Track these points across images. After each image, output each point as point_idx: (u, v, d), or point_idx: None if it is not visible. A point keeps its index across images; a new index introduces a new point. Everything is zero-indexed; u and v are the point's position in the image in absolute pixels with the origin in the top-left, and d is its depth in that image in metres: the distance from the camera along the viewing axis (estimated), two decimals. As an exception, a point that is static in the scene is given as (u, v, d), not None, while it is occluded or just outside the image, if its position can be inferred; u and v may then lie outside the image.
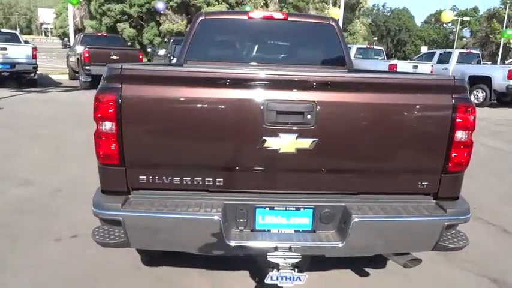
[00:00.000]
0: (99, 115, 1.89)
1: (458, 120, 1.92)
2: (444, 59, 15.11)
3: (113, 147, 1.91)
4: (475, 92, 13.37)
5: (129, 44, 21.82)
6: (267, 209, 2.01)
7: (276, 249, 1.95)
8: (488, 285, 2.74)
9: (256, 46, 4.05)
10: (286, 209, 2.02)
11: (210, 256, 2.27)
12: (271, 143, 1.89)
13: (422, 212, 1.97)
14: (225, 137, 1.93)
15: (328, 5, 21.26)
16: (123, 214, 1.89)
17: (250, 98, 1.87)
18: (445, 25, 72.33)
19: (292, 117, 1.88)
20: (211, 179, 1.98)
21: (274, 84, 1.89)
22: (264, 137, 1.88)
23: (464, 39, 68.63)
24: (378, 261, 2.90)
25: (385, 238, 1.98)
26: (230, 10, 5.14)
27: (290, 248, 1.95)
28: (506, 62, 18.04)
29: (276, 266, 1.93)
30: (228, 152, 1.95)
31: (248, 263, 2.71)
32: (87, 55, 12.95)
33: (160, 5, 19.46)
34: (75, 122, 7.90)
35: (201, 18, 3.86)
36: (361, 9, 20.80)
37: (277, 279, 1.91)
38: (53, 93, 12.77)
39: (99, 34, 18.96)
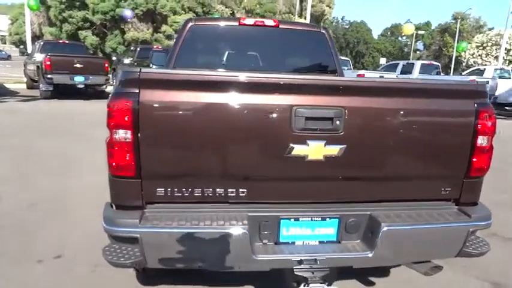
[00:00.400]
0: (114, 123, 1.73)
1: (479, 125, 1.93)
2: (407, 70, 15.76)
3: (128, 157, 1.76)
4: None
5: (91, 52, 21.09)
6: (292, 220, 1.92)
7: (301, 262, 1.86)
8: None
9: (248, 53, 3.99)
10: (311, 220, 1.93)
11: (212, 273, 2.14)
12: (299, 150, 1.80)
13: (448, 218, 1.95)
14: (250, 144, 1.82)
15: (294, 16, 21.63)
16: (141, 231, 1.73)
17: (278, 104, 1.78)
18: (400, 38, 75.77)
19: (321, 124, 1.80)
20: (234, 190, 1.86)
21: (303, 89, 1.81)
22: (291, 144, 1.80)
23: (418, 51, 72.03)
24: (382, 270, 2.88)
25: (413, 246, 1.94)
26: (220, 17, 5.06)
27: (315, 260, 1.87)
28: (463, 73, 19.05)
29: (304, 280, 1.84)
30: (253, 161, 1.84)
31: (252, 280, 2.61)
32: (48, 63, 12.35)
33: (128, 13, 18.94)
34: (41, 132, 7.46)
35: (190, 24, 3.75)
36: (326, 21, 21.28)
37: (311, 294, 1.81)
38: (11, 103, 12.03)
39: (60, 41, 18.18)
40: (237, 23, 3.83)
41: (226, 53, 3.93)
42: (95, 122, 8.90)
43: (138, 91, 1.71)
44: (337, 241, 1.98)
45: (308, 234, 1.95)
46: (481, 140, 1.95)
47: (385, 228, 1.83)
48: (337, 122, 1.80)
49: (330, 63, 3.93)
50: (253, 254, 1.80)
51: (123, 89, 1.73)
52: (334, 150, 1.82)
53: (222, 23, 3.90)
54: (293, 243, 1.95)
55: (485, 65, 31.27)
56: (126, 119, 1.71)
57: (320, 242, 1.97)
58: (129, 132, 1.73)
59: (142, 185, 1.79)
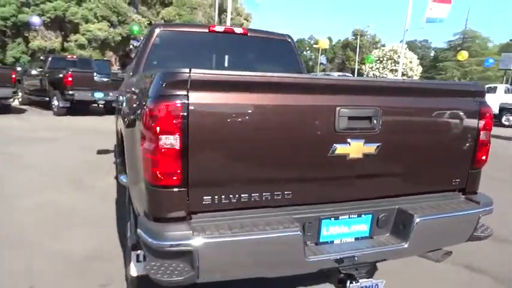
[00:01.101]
0: (160, 127, 1.59)
1: (482, 122, 2.17)
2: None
3: (175, 165, 1.62)
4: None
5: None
6: (332, 219, 1.94)
7: (341, 260, 1.89)
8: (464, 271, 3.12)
9: (218, 60, 3.95)
10: (349, 217, 1.98)
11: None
12: (341, 149, 1.85)
13: (462, 206, 2.14)
14: (297, 146, 1.81)
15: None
16: (196, 242, 1.60)
17: (324, 105, 1.80)
18: (304, 52, 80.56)
19: (361, 123, 1.87)
20: (280, 193, 1.83)
21: (345, 90, 1.86)
22: (335, 144, 1.83)
23: (322, 65, 77.52)
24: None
25: (439, 234, 2.09)
26: (189, 23, 4.86)
27: (354, 257, 1.91)
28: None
29: (351, 277, 1.87)
30: (299, 162, 1.83)
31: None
32: None
33: (35, 20, 17.17)
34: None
35: (158, 29, 3.61)
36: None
37: (360, 292, 1.84)
38: None
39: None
40: (206, 30, 3.77)
41: (195, 59, 3.85)
42: (8, 139, 7.98)
43: (186, 93, 1.60)
44: (369, 236, 2.05)
45: (345, 232, 1.99)
46: (483, 135, 2.19)
47: (418, 220, 1.95)
48: (374, 121, 1.88)
49: (297, 69, 4.07)
50: (305, 257, 1.78)
51: (169, 90, 1.60)
52: (371, 148, 1.90)
53: (191, 29, 3.81)
54: (332, 242, 1.97)
55: (383, 77, 34.73)
56: (174, 123, 1.59)
57: (356, 239, 2.02)
58: (177, 137, 1.60)
59: (188, 194, 1.67)
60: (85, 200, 4.54)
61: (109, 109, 13.60)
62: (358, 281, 1.84)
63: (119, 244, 3.38)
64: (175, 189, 1.66)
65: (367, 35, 56.51)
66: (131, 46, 5.58)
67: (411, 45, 56.14)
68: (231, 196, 1.75)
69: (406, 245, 1.97)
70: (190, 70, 1.58)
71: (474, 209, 2.14)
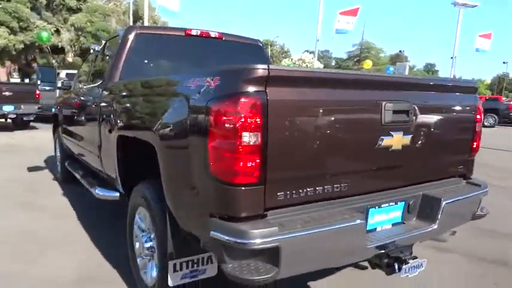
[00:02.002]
0: (241, 125, 1.57)
1: (477, 114, 2.50)
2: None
3: (254, 162, 1.61)
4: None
5: None
6: (377, 207, 2.07)
7: (386, 246, 2.03)
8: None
9: (195, 63, 3.88)
10: (388, 205, 2.12)
11: None
12: (386, 141, 1.99)
13: (470, 189, 2.43)
14: (355, 139, 1.91)
15: (130, 36, 20.92)
16: (281, 239, 1.59)
17: (374, 100, 1.93)
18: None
19: (401, 116, 2.04)
20: (338, 185, 1.90)
21: (389, 86, 2.02)
22: (381, 137, 1.97)
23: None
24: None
25: (457, 214, 2.33)
26: (165, 26, 4.45)
27: (395, 241, 2.06)
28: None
29: (400, 260, 2.00)
30: (355, 155, 1.93)
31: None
32: None
33: None
34: None
35: (134, 32, 3.45)
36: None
37: (409, 270, 1.98)
38: None
39: None
40: (183, 34, 3.69)
41: (173, 63, 3.75)
42: None
43: (264, 89, 1.60)
44: (401, 222, 2.22)
45: (385, 219, 2.14)
46: (477, 126, 2.52)
47: (444, 203, 2.17)
48: (410, 115, 2.07)
49: None
50: (366, 244, 1.88)
51: (248, 87, 1.58)
52: (407, 139, 2.08)
53: (168, 33, 3.69)
54: (375, 229, 2.09)
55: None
56: (255, 120, 1.58)
57: (393, 225, 2.17)
58: (258, 134, 1.59)
59: (265, 191, 1.66)
60: (43, 222, 4.06)
61: (19, 123, 12.33)
62: (408, 262, 1.98)
63: (107, 264, 3.11)
64: (255, 187, 1.64)
65: (276, 45, 59.17)
66: (91, 51, 5.03)
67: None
68: (300, 191, 1.78)
69: (435, 226, 2.17)
70: (268, 66, 1.59)
71: (479, 190, 2.44)
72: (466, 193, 2.36)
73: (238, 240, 1.57)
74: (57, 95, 13.13)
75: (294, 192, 1.76)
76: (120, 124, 2.71)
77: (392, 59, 57.60)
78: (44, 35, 15.70)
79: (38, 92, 12.47)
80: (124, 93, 2.78)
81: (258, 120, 1.58)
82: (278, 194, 1.71)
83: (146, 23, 17.99)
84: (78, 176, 4.33)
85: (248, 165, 1.60)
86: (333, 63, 67.83)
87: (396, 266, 1.99)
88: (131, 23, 21.50)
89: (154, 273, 2.39)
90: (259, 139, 1.60)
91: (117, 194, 3.38)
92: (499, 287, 2.93)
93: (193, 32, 3.71)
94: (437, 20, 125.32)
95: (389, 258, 2.01)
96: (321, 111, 1.76)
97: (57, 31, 19.16)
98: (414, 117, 2.09)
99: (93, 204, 4.59)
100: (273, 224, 1.65)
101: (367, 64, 27.00)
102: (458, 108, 2.39)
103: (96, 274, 2.95)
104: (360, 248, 1.87)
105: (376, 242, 1.97)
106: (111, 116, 2.89)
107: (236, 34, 4.10)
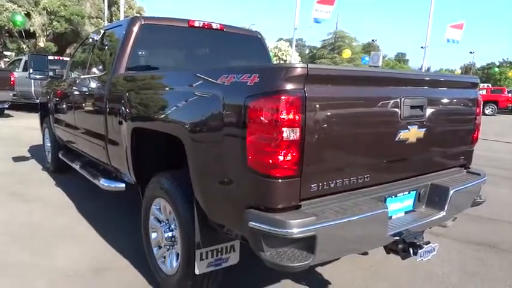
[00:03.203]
0: (282, 121, 1.65)
1: (478, 108, 2.68)
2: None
3: (292, 156, 1.70)
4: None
5: None
6: (393, 197, 2.22)
7: (402, 233, 2.18)
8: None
9: (198, 54, 3.92)
10: (403, 194, 2.27)
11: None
12: (404, 135, 2.13)
13: (472, 177, 2.62)
14: (379, 133, 2.05)
15: (104, 21, 20.29)
16: (318, 227, 1.71)
17: (395, 96, 2.06)
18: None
19: (416, 111, 2.18)
20: (362, 177, 2.03)
21: (406, 82, 2.15)
22: (400, 130, 2.11)
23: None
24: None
25: (461, 202, 2.51)
26: (168, 17, 4.33)
27: (409, 229, 2.22)
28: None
29: (415, 245, 2.15)
30: (378, 148, 2.06)
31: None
32: None
33: None
34: None
35: (140, 22, 3.42)
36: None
37: (423, 254, 2.14)
38: None
39: None
40: (186, 25, 3.70)
41: (177, 54, 3.78)
42: None
43: (303, 87, 1.69)
44: (413, 210, 2.38)
45: (399, 207, 2.29)
46: (478, 119, 2.70)
47: (452, 191, 2.34)
48: (424, 109, 2.21)
49: (268, 63, 4.29)
50: (387, 231, 2.02)
51: (286, 84, 1.67)
52: (421, 133, 2.23)
53: (172, 23, 3.67)
54: (391, 217, 2.24)
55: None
56: (295, 116, 1.67)
57: (405, 213, 2.33)
58: (297, 130, 1.68)
59: (301, 183, 1.76)
60: (43, 214, 4.02)
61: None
62: (422, 247, 2.14)
63: (118, 253, 3.15)
64: (292, 180, 1.73)
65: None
66: (90, 40, 4.82)
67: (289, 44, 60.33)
68: (329, 182, 1.89)
69: (444, 213, 2.35)
70: (307, 64, 1.68)
71: (479, 179, 2.63)
72: (469, 182, 2.54)
73: (279, 230, 1.67)
74: (33, 83, 12.82)
75: (324, 183, 1.87)
76: (136, 116, 2.73)
77: (364, 48, 58.50)
78: (19, 19, 14.93)
79: (12, 78, 12.06)
80: (142, 86, 2.78)
81: (297, 116, 1.67)
82: (311, 185, 1.82)
83: (122, 8, 17.55)
84: (76, 167, 4.30)
85: (287, 159, 1.69)
86: (307, 52, 68.21)
87: (411, 251, 2.14)
88: (106, 8, 20.95)
89: (175, 263, 2.46)
90: (298, 134, 1.69)
91: (123, 185, 3.41)
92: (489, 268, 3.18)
93: (196, 24, 3.72)
94: (408, 10, 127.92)
95: (405, 244, 2.16)
96: (351, 107, 1.88)
97: (28, 15, 18.34)
98: (426, 112, 2.24)
99: (89, 194, 4.59)
100: (309, 214, 1.75)
101: (346, 53, 27.40)
102: (462, 102, 2.56)
103: (110, 263, 2.99)
104: (383, 235, 2.01)
105: (395, 229, 2.11)
106: (123, 107, 2.90)
107: (236, 26, 4.14)
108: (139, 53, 3.47)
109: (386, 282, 2.83)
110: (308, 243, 1.72)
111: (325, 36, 55.62)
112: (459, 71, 59.12)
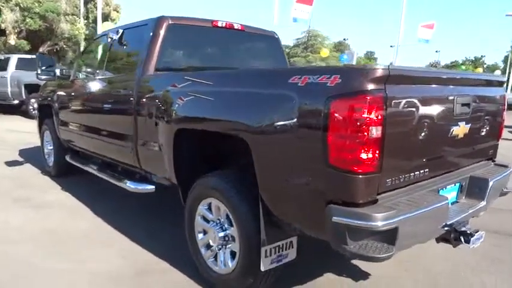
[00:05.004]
0: (367, 120, 1.74)
1: (503, 105, 2.87)
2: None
3: (371, 154, 1.79)
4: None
5: None
6: (444, 189, 2.35)
7: (451, 224, 2.31)
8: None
9: (221, 55, 3.95)
10: (451, 187, 2.41)
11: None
12: (456, 130, 2.27)
13: (502, 169, 2.80)
14: (439, 130, 2.18)
15: (80, 19, 19.65)
16: (399, 219, 1.80)
17: (452, 94, 2.21)
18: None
19: (465, 109, 2.32)
20: (423, 171, 2.15)
21: (457, 82, 2.30)
22: (453, 127, 2.24)
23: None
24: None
25: (496, 192, 2.68)
26: (193, 17, 4.21)
27: (459, 218, 2.35)
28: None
29: (466, 234, 2.29)
30: (437, 143, 2.19)
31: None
32: None
33: None
34: None
35: (167, 22, 3.41)
36: (116, 23, 20.11)
37: (474, 242, 2.27)
38: None
39: None
40: (210, 25, 3.72)
41: (203, 54, 3.80)
42: None
43: (384, 87, 1.78)
44: (456, 201, 2.52)
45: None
46: (504, 115, 2.89)
47: (491, 182, 2.51)
48: (470, 107, 2.36)
49: (284, 63, 4.39)
50: (447, 220, 2.15)
51: (369, 85, 1.75)
52: (467, 128, 2.38)
53: (197, 23, 3.68)
54: None
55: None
56: (376, 115, 1.76)
57: (452, 204, 2.46)
58: (379, 128, 1.77)
59: (379, 179, 1.85)
60: (57, 219, 3.92)
61: None
62: (473, 235, 2.27)
63: (154, 255, 3.14)
64: (373, 175, 1.82)
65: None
66: (109, 39, 4.65)
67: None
68: (400, 177, 2.00)
69: (484, 203, 2.51)
70: (389, 66, 1.77)
71: (508, 170, 2.82)
72: (502, 173, 2.72)
73: (366, 223, 1.75)
74: (9, 83, 12.27)
75: (395, 178, 1.97)
76: (182, 117, 2.72)
77: (336, 46, 59.53)
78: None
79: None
80: (191, 86, 2.75)
81: (380, 115, 1.76)
82: (387, 180, 1.92)
83: (99, 6, 17.10)
84: (92, 170, 4.22)
85: (369, 156, 1.78)
86: (280, 50, 68.45)
87: (463, 239, 2.28)
88: (82, 5, 20.31)
89: (230, 261, 2.49)
90: (380, 132, 1.78)
91: (153, 187, 3.40)
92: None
93: (219, 24, 3.75)
94: (376, 10, 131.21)
95: (456, 233, 2.29)
96: (420, 105, 1.99)
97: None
98: (471, 109, 2.39)
99: (100, 197, 4.54)
100: (389, 207, 1.85)
101: (324, 53, 27.80)
102: (494, 99, 2.74)
103: (151, 265, 2.98)
104: (441, 226, 2.14)
105: (450, 219, 2.24)
106: (163, 108, 2.89)
107: (255, 26, 4.18)
108: (168, 53, 3.47)
109: (424, 272, 2.99)
110: (389, 235, 1.81)
111: (298, 35, 56.05)
112: (426, 69, 61.13)
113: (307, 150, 1.92)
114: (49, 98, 5.21)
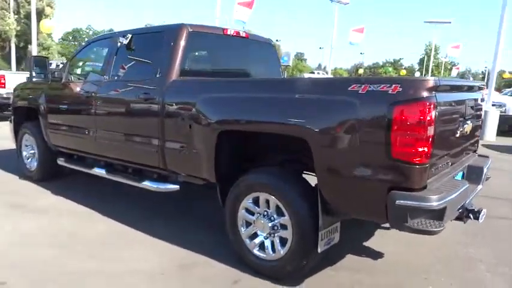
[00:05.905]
0: (427, 121, 2.16)
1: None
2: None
3: (426, 148, 2.21)
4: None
5: None
6: (455, 176, 2.87)
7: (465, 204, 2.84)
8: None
9: (231, 62, 4.19)
10: (458, 174, 2.94)
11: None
12: (464, 129, 2.80)
13: (485, 160, 3.43)
14: (456, 127, 2.68)
15: (10, 13, 18.12)
16: (447, 200, 2.26)
17: (466, 98, 2.73)
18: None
19: (470, 110, 2.87)
20: (445, 162, 2.64)
21: (470, 87, 2.84)
22: (463, 125, 2.78)
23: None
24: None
25: (485, 177, 3.28)
26: (207, 25, 4.00)
27: (468, 200, 2.88)
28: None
29: (475, 212, 2.81)
30: (456, 138, 2.70)
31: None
32: None
33: None
34: None
35: (187, 30, 3.59)
36: (51, 19, 18.72)
37: (482, 218, 2.81)
38: None
39: None
40: (221, 32, 3.95)
41: (217, 61, 4.02)
42: None
43: (435, 95, 2.22)
44: None
45: (458, 184, 2.96)
46: (482, 114, 3.53)
47: (485, 169, 3.10)
48: (473, 108, 2.92)
49: (279, 70, 4.74)
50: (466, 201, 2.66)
51: (425, 93, 2.19)
52: (470, 126, 2.93)
53: (212, 31, 3.89)
54: None
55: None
56: (431, 117, 2.20)
57: (457, 189, 3.01)
58: (432, 128, 2.21)
59: (429, 168, 2.30)
60: (68, 223, 3.88)
61: None
62: (480, 212, 2.80)
63: (187, 249, 3.31)
64: (425, 166, 2.25)
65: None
66: (118, 44, 4.26)
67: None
68: (436, 167, 2.48)
69: (481, 186, 3.09)
70: (438, 78, 2.21)
71: (489, 160, 3.46)
72: (488, 162, 3.34)
73: (425, 204, 2.19)
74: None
75: (435, 167, 2.45)
76: (227, 119, 2.97)
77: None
78: None
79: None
80: (237, 92, 3.01)
81: (433, 117, 2.20)
82: (432, 169, 2.37)
83: (33, 8, 16.01)
84: (98, 173, 4.22)
85: (425, 149, 2.21)
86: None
87: (472, 216, 2.80)
88: (12, 1, 18.78)
89: (281, 247, 2.79)
90: (432, 131, 2.22)
91: (177, 186, 3.57)
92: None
93: (229, 32, 3.99)
94: (305, 12, 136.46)
95: (467, 211, 2.82)
96: (453, 108, 2.50)
97: None
98: (473, 110, 2.95)
99: (101, 198, 4.57)
100: (437, 191, 2.29)
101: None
102: (479, 101, 3.35)
103: (190, 259, 3.16)
104: (462, 204, 2.64)
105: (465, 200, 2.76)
106: (202, 112, 3.09)
107: (253, 33, 4.48)
108: (188, 58, 3.64)
109: (438, 262, 3.53)
110: (439, 213, 2.26)
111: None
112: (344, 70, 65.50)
113: (370, 146, 2.30)
114: (32, 100, 5.03)
